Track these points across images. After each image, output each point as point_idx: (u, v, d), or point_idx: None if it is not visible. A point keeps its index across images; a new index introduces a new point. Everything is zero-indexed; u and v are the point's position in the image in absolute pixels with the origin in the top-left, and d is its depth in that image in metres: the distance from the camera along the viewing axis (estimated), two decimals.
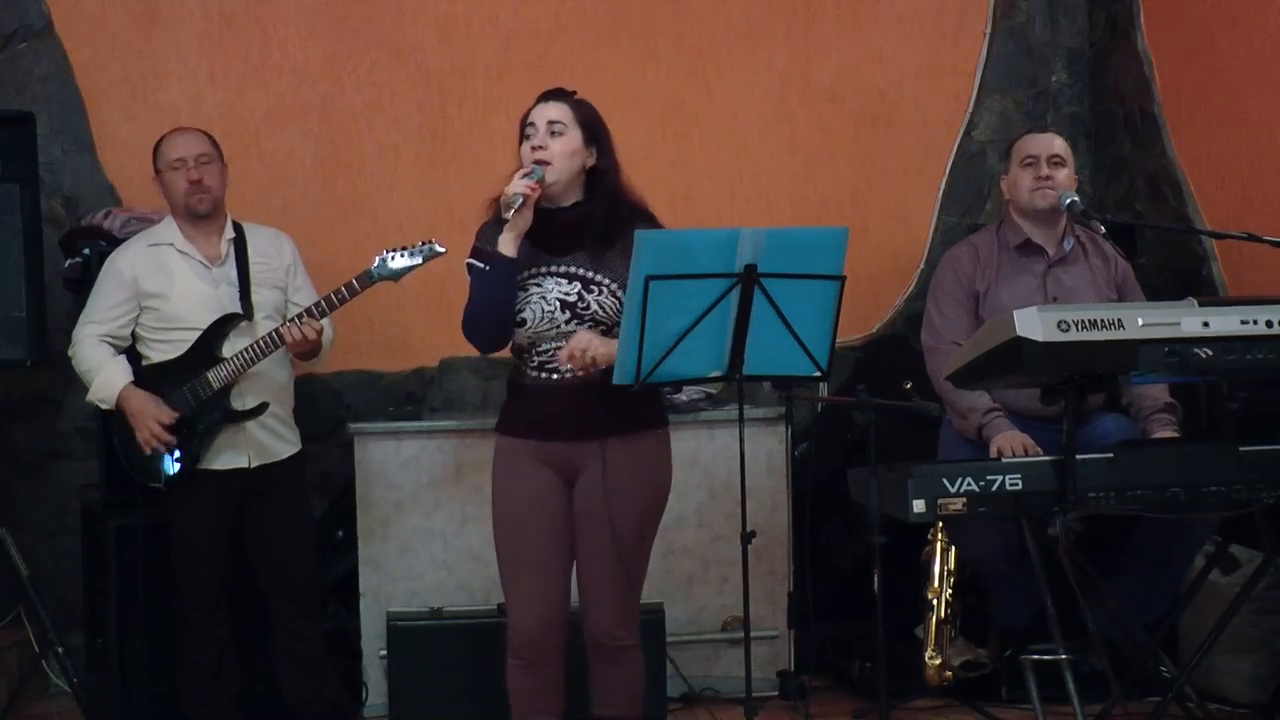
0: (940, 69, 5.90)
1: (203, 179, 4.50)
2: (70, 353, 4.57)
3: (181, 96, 5.51)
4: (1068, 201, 4.60)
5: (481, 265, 3.76)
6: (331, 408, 4.83)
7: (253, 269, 4.56)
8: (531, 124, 3.82)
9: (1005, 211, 4.87)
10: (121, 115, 5.51)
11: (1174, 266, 5.41)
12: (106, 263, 4.62)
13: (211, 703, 4.57)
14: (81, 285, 5.08)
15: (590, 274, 3.80)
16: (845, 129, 5.85)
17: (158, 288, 4.51)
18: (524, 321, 3.77)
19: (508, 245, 3.72)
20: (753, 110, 5.79)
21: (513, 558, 3.82)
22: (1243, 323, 3.69)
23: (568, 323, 3.77)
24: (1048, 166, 4.68)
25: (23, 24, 5.45)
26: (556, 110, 3.83)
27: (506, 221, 3.74)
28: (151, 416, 4.41)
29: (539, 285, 3.78)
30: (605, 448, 3.80)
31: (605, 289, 3.80)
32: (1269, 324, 3.68)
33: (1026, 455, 4.29)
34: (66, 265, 5.15)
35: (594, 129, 3.85)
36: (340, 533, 5.06)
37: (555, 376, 3.80)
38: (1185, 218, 5.38)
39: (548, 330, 3.78)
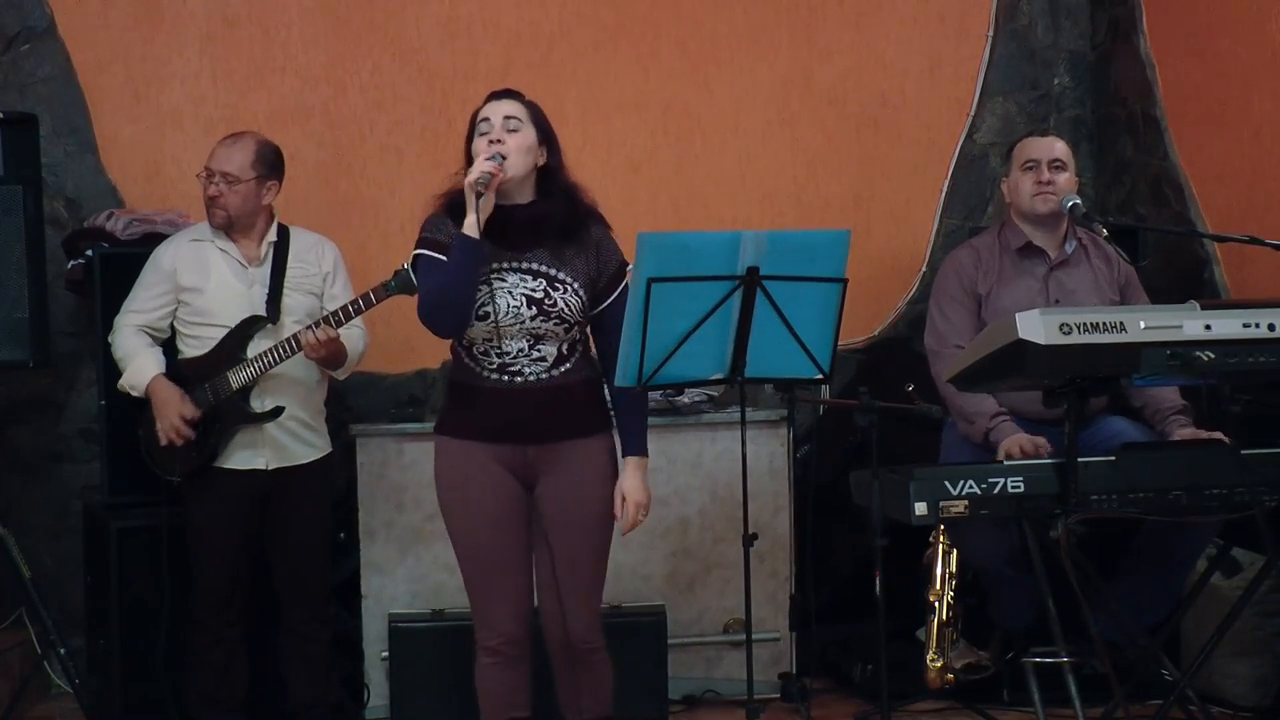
0: (942, 72, 5.90)
1: (219, 196, 4.51)
2: (109, 339, 4.62)
3: (184, 98, 5.51)
4: (1069, 204, 4.60)
5: (437, 256, 3.73)
6: (333, 410, 4.83)
7: (288, 273, 4.57)
8: (486, 119, 3.80)
9: (1006, 214, 4.87)
10: (124, 117, 5.51)
11: (1176, 269, 5.41)
12: (151, 255, 4.65)
13: (218, 703, 4.57)
14: (84, 287, 5.09)
15: (554, 272, 3.77)
16: (847, 131, 5.85)
17: (193, 281, 4.54)
18: (488, 315, 3.71)
19: (473, 229, 3.66)
20: (755, 113, 5.80)
21: (488, 558, 3.79)
22: (1245, 326, 3.69)
23: (533, 319, 3.74)
24: (1049, 171, 4.67)
25: (25, 25, 5.45)
26: (511, 107, 3.82)
27: (462, 207, 3.73)
28: (175, 410, 4.44)
29: (502, 280, 3.73)
30: (568, 450, 3.80)
31: (569, 287, 3.77)
32: (1271, 327, 3.68)
33: (1037, 455, 4.28)
34: (69, 267, 5.17)
35: (545, 129, 3.84)
36: (342, 534, 5.06)
37: (519, 379, 3.76)
38: (1187, 220, 5.39)
39: (512, 325, 3.73)
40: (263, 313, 4.52)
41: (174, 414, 4.44)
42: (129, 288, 4.63)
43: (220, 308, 4.52)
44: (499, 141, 3.74)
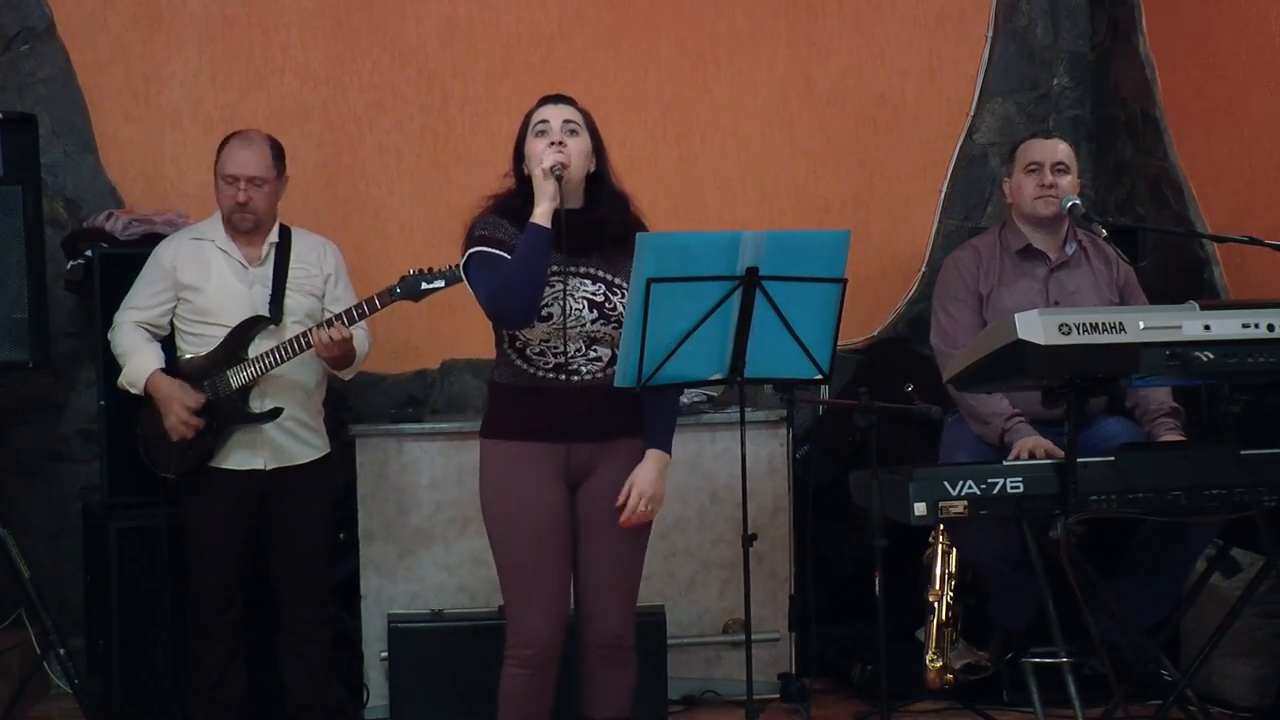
0: (942, 72, 5.90)
1: (249, 201, 4.51)
2: (109, 335, 4.62)
3: (183, 98, 5.52)
4: (1069, 205, 4.60)
5: (498, 252, 3.73)
6: (333, 410, 4.84)
7: (290, 274, 4.57)
8: (545, 121, 3.82)
9: (1007, 215, 4.87)
10: (123, 117, 5.51)
11: (1175, 270, 5.41)
12: (151, 253, 4.65)
13: (217, 704, 4.57)
14: (84, 287, 5.10)
15: (610, 276, 3.81)
16: (847, 131, 5.85)
17: (193, 280, 4.54)
18: (550, 317, 3.73)
19: (545, 217, 3.69)
20: (754, 113, 5.80)
21: (534, 563, 3.78)
22: (1244, 326, 3.69)
23: (594, 322, 3.77)
24: (1052, 174, 4.67)
25: (25, 26, 5.46)
26: (570, 112, 3.85)
27: (515, 210, 3.75)
28: (179, 402, 4.44)
29: (564, 283, 3.75)
30: (617, 448, 3.81)
31: (624, 291, 3.80)
32: (1270, 327, 3.68)
33: (1049, 459, 4.28)
34: (68, 267, 5.17)
35: (597, 136, 3.88)
36: (341, 535, 5.06)
37: (575, 378, 3.78)
38: (1187, 221, 5.39)
39: (572, 328, 3.75)
40: (264, 313, 4.52)
41: (179, 407, 4.44)
42: (128, 288, 4.64)
43: (220, 307, 4.52)
44: (561, 144, 3.76)
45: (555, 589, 3.80)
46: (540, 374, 3.80)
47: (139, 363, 4.52)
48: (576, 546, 3.86)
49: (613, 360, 3.81)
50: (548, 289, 3.73)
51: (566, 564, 3.84)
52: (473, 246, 3.79)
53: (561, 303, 3.73)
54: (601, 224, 3.82)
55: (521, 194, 3.82)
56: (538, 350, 3.79)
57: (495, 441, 3.86)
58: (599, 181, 3.86)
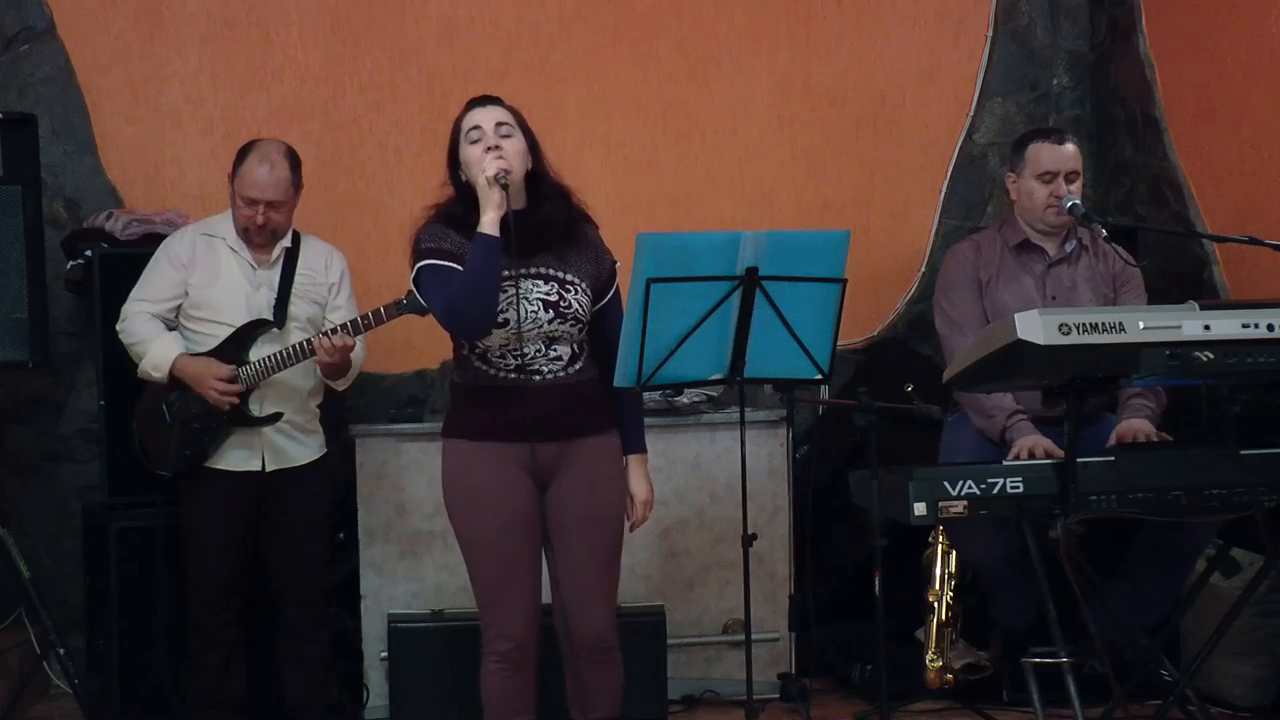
0: (941, 72, 5.90)
1: (267, 223, 4.50)
2: (119, 327, 4.59)
3: (183, 98, 5.52)
4: (1069, 204, 4.60)
5: (447, 264, 3.71)
6: (333, 410, 4.84)
7: (296, 279, 4.57)
8: (477, 127, 3.79)
9: (1008, 211, 4.87)
10: (123, 117, 5.51)
11: (1175, 270, 5.41)
12: (161, 246, 4.64)
13: (216, 704, 4.57)
14: (84, 287, 5.10)
15: (562, 274, 3.79)
16: (846, 132, 5.85)
17: (202, 277, 4.53)
18: (506, 322, 3.72)
19: (493, 226, 3.66)
20: (754, 113, 5.80)
21: (502, 561, 3.78)
22: (1244, 326, 3.69)
23: (550, 322, 3.76)
24: (1065, 184, 4.66)
25: (25, 26, 5.46)
26: (501, 113, 3.83)
27: (459, 218, 3.76)
28: (213, 376, 4.43)
29: (515, 286, 3.72)
30: (584, 447, 3.81)
31: (578, 287, 3.80)
32: (1270, 327, 3.68)
33: (1048, 459, 4.28)
34: (68, 267, 5.17)
35: (530, 134, 3.85)
36: (341, 535, 5.06)
37: (537, 378, 3.77)
38: (1187, 221, 5.39)
39: (530, 330, 3.74)
40: (267, 315, 4.52)
41: (213, 381, 4.42)
42: (129, 288, 4.63)
43: (225, 305, 4.52)
44: (498, 148, 3.74)
45: (527, 583, 3.80)
46: (501, 375, 3.78)
47: (161, 348, 4.50)
48: (551, 550, 3.85)
49: (574, 358, 3.81)
50: (501, 295, 3.71)
51: (537, 559, 3.83)
52: (421, 260, 3.77)
53: (516, 307, 3.71)
54: (547, 222, 3.80)
55: (462, 201, 3.80)
56: (498, 354, 3.78)
57: (456, 441, 3.85)
58: (538, 179, 3.83)
